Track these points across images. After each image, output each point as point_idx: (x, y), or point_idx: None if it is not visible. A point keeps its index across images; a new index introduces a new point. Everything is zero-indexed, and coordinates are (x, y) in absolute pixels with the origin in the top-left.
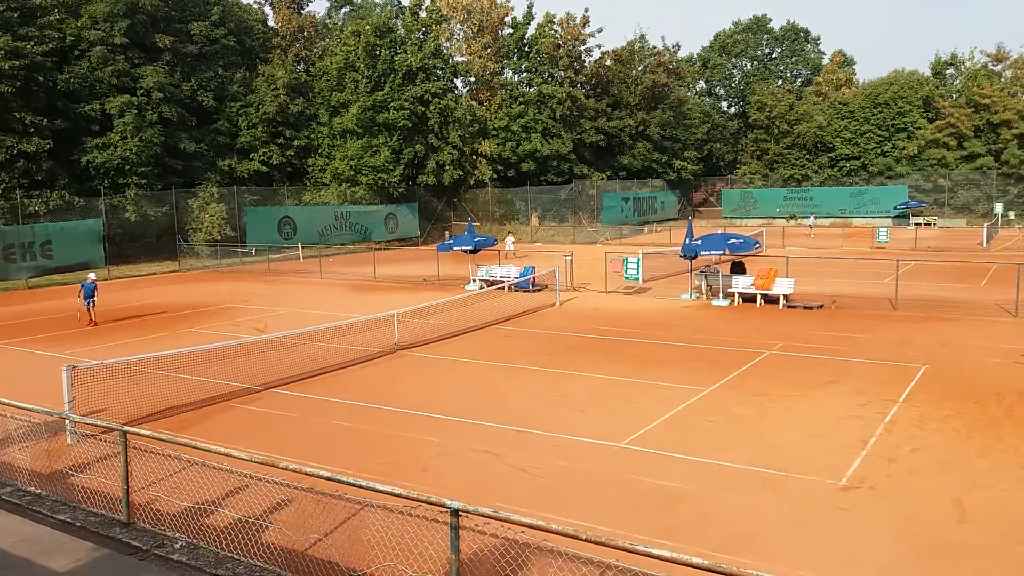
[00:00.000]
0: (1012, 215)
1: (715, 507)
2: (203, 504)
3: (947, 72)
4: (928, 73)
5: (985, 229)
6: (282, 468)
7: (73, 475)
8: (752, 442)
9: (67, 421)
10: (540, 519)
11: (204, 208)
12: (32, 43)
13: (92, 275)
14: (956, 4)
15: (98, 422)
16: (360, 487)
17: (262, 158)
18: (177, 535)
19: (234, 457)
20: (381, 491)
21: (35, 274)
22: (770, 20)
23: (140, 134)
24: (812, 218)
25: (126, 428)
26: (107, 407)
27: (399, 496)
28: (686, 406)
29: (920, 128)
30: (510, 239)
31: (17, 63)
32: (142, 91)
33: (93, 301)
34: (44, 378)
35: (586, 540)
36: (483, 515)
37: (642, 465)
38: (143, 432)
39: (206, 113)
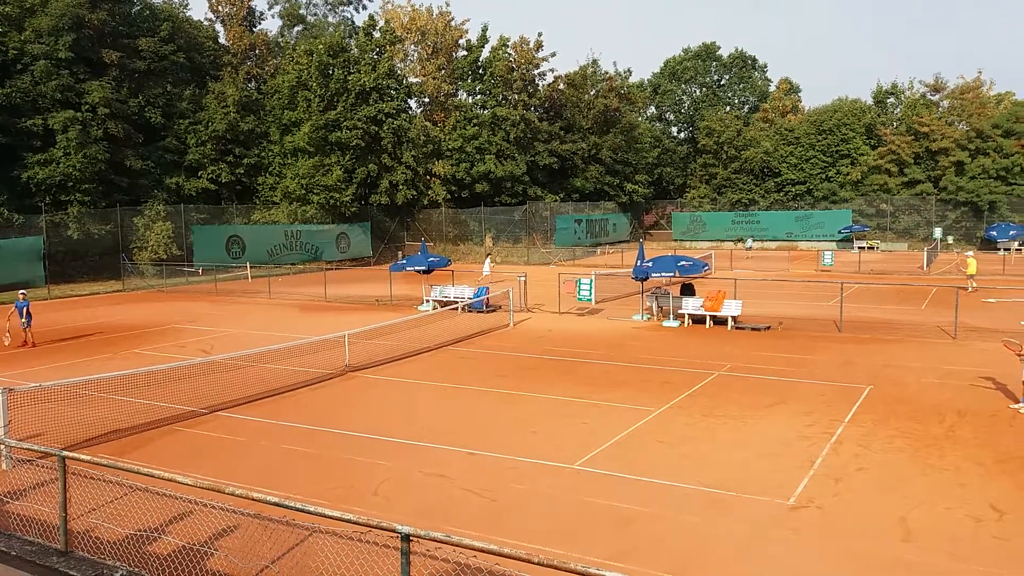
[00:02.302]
0: (951, 239)
1: (667, 528)
2: (145, 531)
3: (888, 101)
4: (870, 101)
5: (925, 253)
6: (228, 493)
7: (8, 502)
8: (702, 463)
9: (2, 446)
10: (493, 543)
11: (150, 226)
12: None
13: (22, 292)
14: (897, 36)
15: (35, 447)
16: (308, 512)
17: (211, 176)
18: (117, 564)
19: (178, 482)
20: (330, 516)
21: None
22: (719, 48)
23: (84, 150)
24: (750, 240)
25: (65, 453)
26: (45, 431)
27: (349, 522)
28: (637, 427)
29: (863, 154)
30: (488, 261)
31: None
32: (87, 106)
33: (28, 320)
34: None
35: (539, 564)
36: (435, 540)
37: (595, 487)
38: (83, 457)
39: (154, 130)
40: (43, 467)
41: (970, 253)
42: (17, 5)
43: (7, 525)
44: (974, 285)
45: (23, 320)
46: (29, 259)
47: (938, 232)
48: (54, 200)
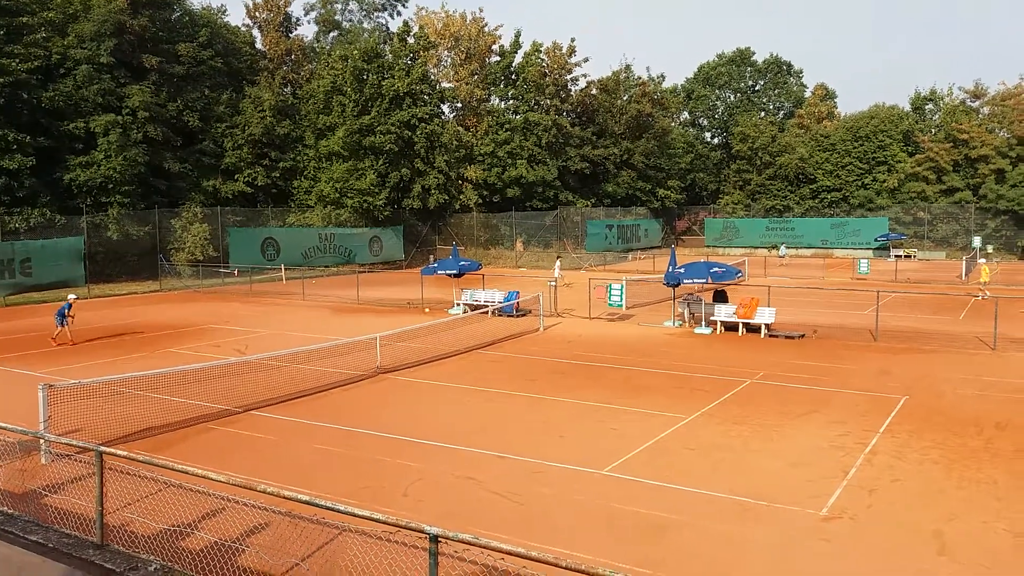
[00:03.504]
0: (990, 248)
1: (697, 537)
2: (179, 526)
3: (926, 107)
4: (908, 108)
5: (964, 262)
6: (260, 491)
7: (47, 495)
8: (733, 471)
9: (42, 440)
10: (520, 546)
11: (187, 228)
12: (17, 60)
13: (72, 296)
14: (936, 41)
15: (73, 442)
16: (338, 511)
17: (247, 179)
18: (151, 557)
19: (211, 479)
20: (360, 516)
21: (13, 292)
22: (753, 53)
23: (124, 153)
24: (783, 247)
25: (102, 448)
26: (83, 427)
27: (378, 521)
28: (668, 434)
29: (900, 162)
30: (558, 264)
31: (2, 80)
32: (127, 110)
33: (67, 319)
34: (20, 397)
35: (567, 568)
36: (463, 541)
37: (623, 493)
38: (119, 452)
39: (192, 133)
40: (81, 462)
41: (982, 260)
42: (61, 11)
43: (45, 517)
44: (987, 293)
45: (60, 320)
46: (70, 259)
47: (977, 241)
48: (95, 202)
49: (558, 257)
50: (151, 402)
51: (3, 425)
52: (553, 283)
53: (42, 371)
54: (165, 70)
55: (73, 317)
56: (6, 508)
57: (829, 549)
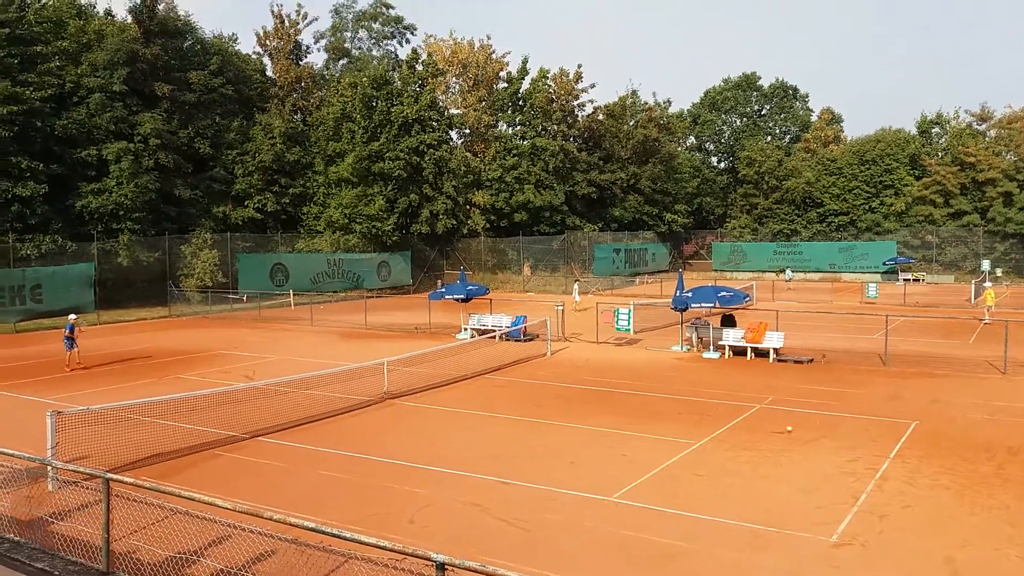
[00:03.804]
0: (999, 272)
1: (707, 564)
2: (185, 554)
3: (933, 130)
4: (914, 131)
5: (973, 286)
6: (266, 518)
7: (53, 522)
8: (743, 497)
9: (49, 467)
10: (528, 574)
11: (197, 254)
12: (31, 89)
13: (72, 316)
14: (941, 65)
15: (81, 468)
16: (345, 539)
17: (257, 205)
18: None
19: (218, 506)
20: (366, 543)
21: (24, 318)
22: (759, 78)
23: (136, 180)
24: (789, 271)
25: (109, 475)
26: (91, 453)
27: (384, 548)
28: (677, 459)
29: (907, 185)
30: (576, 287)
31: (15, 108)
32: (139, 138)
33: (74, 342)
34: (28, 423)
35: None
36: (469, 569)
37: (633, 520)
38: (126, 479)
39: (202, 160)
40: (88, 488)
41: (988, 284)
42: (75, 40)
43: (51, 545)
44: (987, 318)
45: (72, 342)
46: (81, 285)
47: (986, 264)
48: (106, 228)
49: (576, 280)
50: (159, 428)
51: (11, 452)
52: (561, 307)
53: (51, 397)
54: (177, 98)
55: (77, 336)
56: (12, 535)
57: None
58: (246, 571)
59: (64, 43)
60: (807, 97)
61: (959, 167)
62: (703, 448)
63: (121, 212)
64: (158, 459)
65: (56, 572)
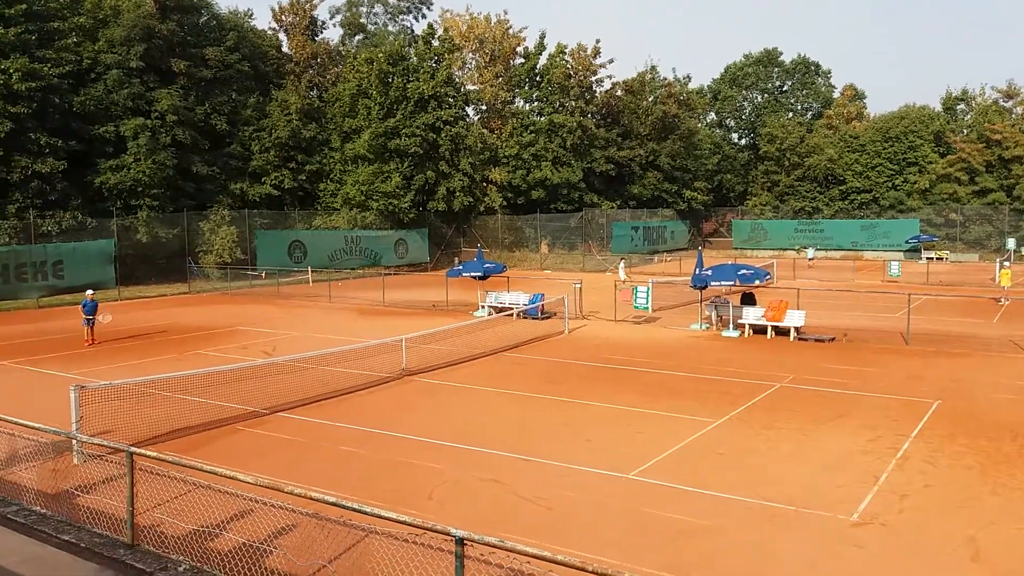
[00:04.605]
0: None
1: (725, 542)
2: (207, 527)
3: (958, 107)
4: (939, 108)
5: (997, 264)
6: (287, 492)
7: (79, 495)
8: (762, 476)
9: (74, 441)
10: (546, 550)
11: (215, 231)
12: (49, 65)
13: (90, 292)
14: (967, 41)
15: (105, 442)
16: (365, 513)
17: (274, 182)
18: (181, 558)
19: (239, 480)
20: (386, 518)
21: (46, 294)
22: (781, 53)
23: (153, 156)
24: (811, 250)
25: (132, 449)
26: (114, 428)
27: (404, 523)
28: (695, 438)
29: (931, 162)
30: (622, 265)
31: (34, 85)
32: (156, 114)
33: (93, 319)
34: (52, 397)
35: (592, 572)
36: (488, 544)
37: (650, 497)
38: (149, 453)
39: (219, 137)
40: (112, 462)
41: (1007, 264)
42: (91, 16)
43: (77, 517)
44: (1005, 300)
45: (86, 319)
46: (101, 261)
47: (1011, 243)
48: (125, 205)
49: (622, 259)
50: (180, 403)
51: (36, 425)
52: (579, 284)
53: (73, 372)
54: (193, 74)
55: (96, 323)
56: (39, 508)
57: (860, 555)
58: (268, 544)
59: (81, 19)
60: (829, 73)
61: (985, 144)
62: (722, 427)
63: (139, 188)
64: (180, 434)
65: (82, 544)
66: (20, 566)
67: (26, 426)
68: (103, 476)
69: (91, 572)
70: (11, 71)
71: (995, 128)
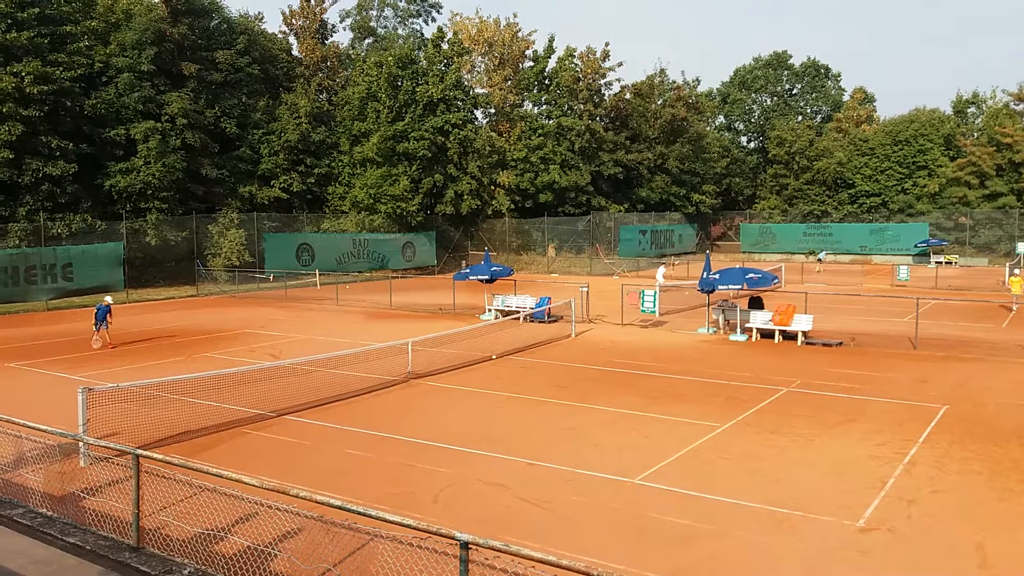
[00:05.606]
0: None
1: (730, 547)
2: (213, 530)
3: (968, 111)
4: (949, 111)
5: (1007, 269)
6: (292, 495)
7: (85, 498)
8: (768, 480)
9: (81, 443)
10: (551, 554)
11: (224, 233)
12: (61, 69)
13: (108, 298)
14: (977, 44)
15: (112, 445)
16: (370, 517)
17: (283, 185)
18: (186, 561)
19: (245, 483)
20: (391, 522)
21: (55, 296)
22: (790, 57)
23: (163, 159)
24: (823, 253)
25: (139, 452)
26: (121, 430)
27: (409, 527)
28: (702, 442)
29: (941, 166)
30: (661, 270)
31: (46, 88)
32: (167, 117)
33: (107, 323)
34: (60, 399)
35: None
36: (493, 548)
37: (656, 502)
38: (155, 456)
39: (229, 140)
40: (118, 465)
41: (1018, 272)
42: (103, 20)
43: (83, 520)
44: (1015, 306)
45: (97, 324)
46: (110, 264)
47: (1021, 247)
48: (134, 207)
49: (662, 264)
50: (187, 406)
51: (44, 427)
52: (586, 288)
53: (81, 374)
54: (203, 77)
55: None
56: (45, 510)
57: (866, 561)
58: (273, 548)
59: (93, 23)
60: (839, 76)
61: (995, 148)
62: (728, 431)
63: (149, 191)
64: (186, 436)
65: (88, 547)
66: (26, 568)
67: (34, 428)
68: (109, 479)
69: (96, 575)
70: (23, 74)
71: (1006, 131)
